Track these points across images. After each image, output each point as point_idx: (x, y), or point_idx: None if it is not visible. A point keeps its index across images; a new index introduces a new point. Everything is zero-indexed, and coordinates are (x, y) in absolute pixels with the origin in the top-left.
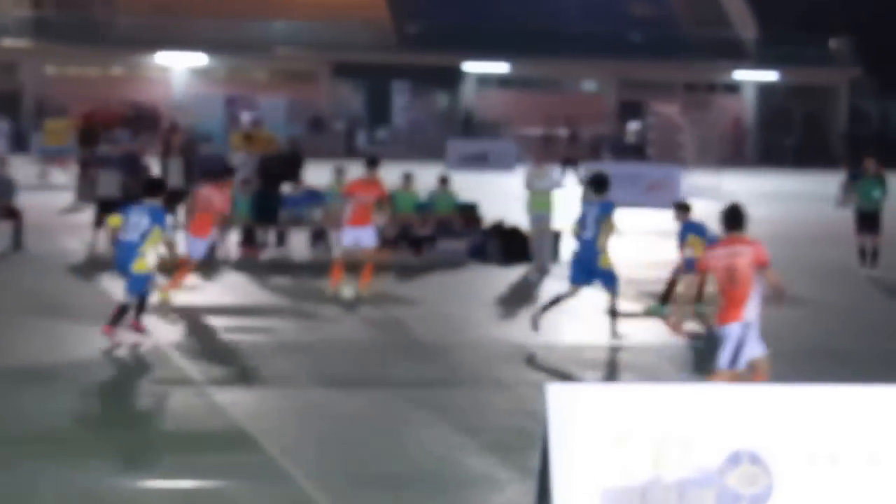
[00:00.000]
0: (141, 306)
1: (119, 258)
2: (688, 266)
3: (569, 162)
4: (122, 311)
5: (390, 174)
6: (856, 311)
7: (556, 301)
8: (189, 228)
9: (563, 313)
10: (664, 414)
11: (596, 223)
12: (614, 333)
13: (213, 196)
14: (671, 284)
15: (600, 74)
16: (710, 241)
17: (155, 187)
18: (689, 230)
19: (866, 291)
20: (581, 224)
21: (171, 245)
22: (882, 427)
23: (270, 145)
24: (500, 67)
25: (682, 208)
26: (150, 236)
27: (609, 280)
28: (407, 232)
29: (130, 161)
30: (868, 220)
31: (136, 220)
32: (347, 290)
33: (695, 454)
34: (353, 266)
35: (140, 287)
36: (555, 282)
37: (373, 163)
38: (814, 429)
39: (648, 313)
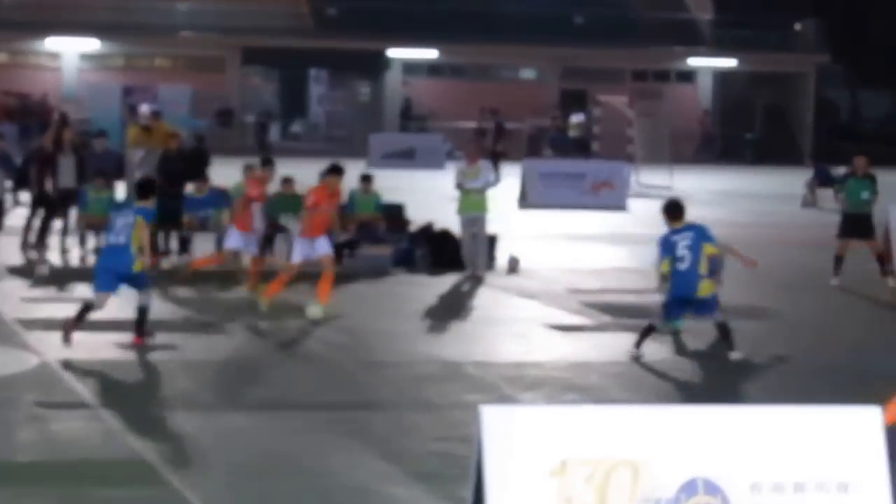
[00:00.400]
0: (141, 320)
1: (104, 263)
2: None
3: (495, 157)
4: (141, 315)
5: (305, 172)
6: (832, 323)
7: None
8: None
9: (500, 327)
10: (610, 439)
11: (692, 251)
12: (731, 346)
13: (253, 189)
14: None
15: (540, 61)
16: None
17: (147, 190)
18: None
19: (841, 302)
20: (670, 257)
21: (144, 243)
22: (854, 452)
23: (172, 140)
24: (429, 53)
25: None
26: (133, 231)
27: (710, 307)
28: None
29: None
30: (856, 224)
31: (123, 222)
32: (314, 310)
33: (645, 483)
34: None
35: (146, 283)
36: (490, 291)
37: (337, 171)
38: (778, 454)
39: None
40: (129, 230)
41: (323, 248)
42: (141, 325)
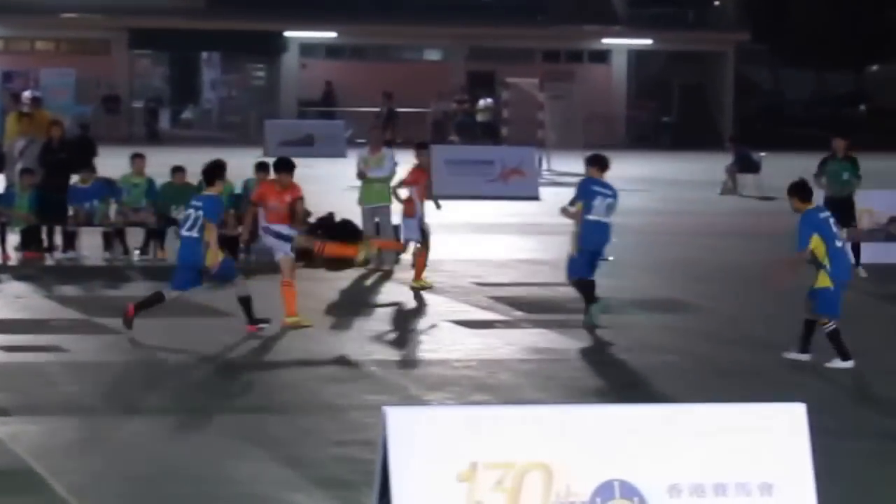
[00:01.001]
0: (248, 308)
1: (180, 258)
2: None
3: (387, 145)
4: (245, 304)
5: (198, 161)
6: (754, 317)
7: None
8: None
9: (404, 323)
10: (522, 440)
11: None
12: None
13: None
14: None
15: (445, 41)
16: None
17: (213, 175)
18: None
19: (763, 294)
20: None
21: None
22: (778, 451)
23: (54, 128)
24: (328, 34)
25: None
26: (204, 229)
27: None
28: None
29: None
30: (837, 210)
31: (191, 213)
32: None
33: (558, 486)
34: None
35: (229, 273)
36: (394, 286)
37: (287, 166)
38: (698, 454)
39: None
40: (199, 223)
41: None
42: (249, 313)
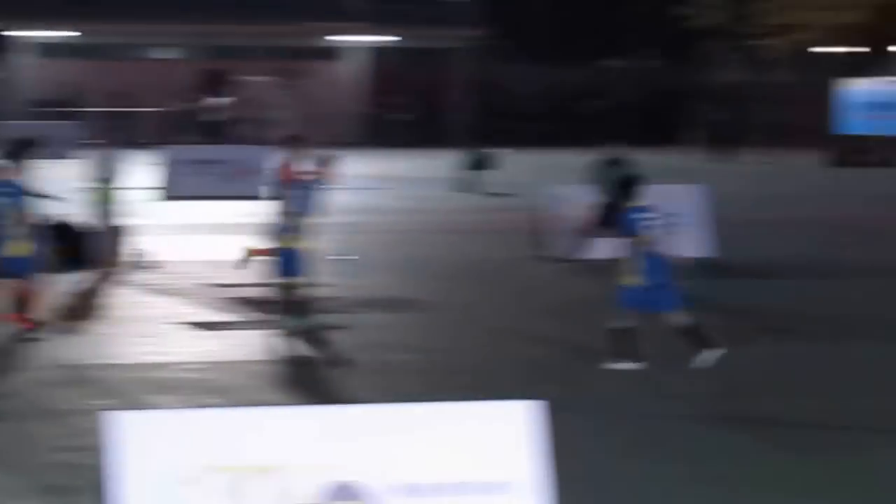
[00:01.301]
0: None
1: None
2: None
3: (123, 146)
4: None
5: None
6: (490, 314)
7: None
8: None
9: (131, 326)
10: (248, 443)
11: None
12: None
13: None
14: None
15: (181, 38)
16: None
17: (19, 156)
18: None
19: (499, 291)
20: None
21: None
22: (511, 450)
23: None
24: (63, 33)
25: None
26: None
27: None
28: None
29: None
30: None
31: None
32: None
33: (286, 488)
34: None
35: (18, 269)
36: (121, 288)
37: (28, 148)
38: (428, 454)
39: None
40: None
41: None
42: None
